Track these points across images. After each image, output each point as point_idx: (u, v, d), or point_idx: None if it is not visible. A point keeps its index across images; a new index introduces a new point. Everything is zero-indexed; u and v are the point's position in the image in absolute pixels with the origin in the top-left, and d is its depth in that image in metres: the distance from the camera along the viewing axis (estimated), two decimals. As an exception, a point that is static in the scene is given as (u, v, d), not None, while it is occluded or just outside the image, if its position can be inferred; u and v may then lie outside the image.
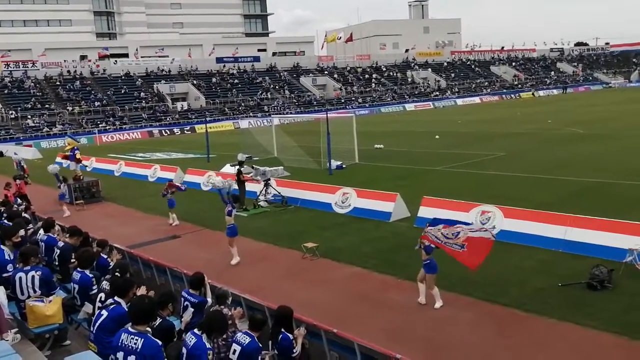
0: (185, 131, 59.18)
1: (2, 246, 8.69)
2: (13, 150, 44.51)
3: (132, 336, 5.35)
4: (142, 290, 6.89)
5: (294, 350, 6.33)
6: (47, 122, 56.49)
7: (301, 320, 7.35)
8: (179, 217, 17.19)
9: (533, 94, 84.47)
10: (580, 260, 11.12)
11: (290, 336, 6.38)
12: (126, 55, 75.32)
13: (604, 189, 17.70)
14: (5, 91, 60.72)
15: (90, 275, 8.03)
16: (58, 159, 28.82)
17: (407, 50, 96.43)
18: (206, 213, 18.05)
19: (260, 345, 6.14)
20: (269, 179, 19.01)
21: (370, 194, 16.84)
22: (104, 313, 6.39)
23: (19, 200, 16.38)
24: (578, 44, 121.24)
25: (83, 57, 70.88)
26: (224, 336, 6.35)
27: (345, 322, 8.47)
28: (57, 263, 9.60)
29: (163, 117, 62.48)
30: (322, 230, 15.18)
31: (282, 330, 6.42)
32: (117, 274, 7.72)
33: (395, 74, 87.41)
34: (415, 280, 9.96)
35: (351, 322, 8.83)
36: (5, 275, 8.15)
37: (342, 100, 74.81)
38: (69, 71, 66.66)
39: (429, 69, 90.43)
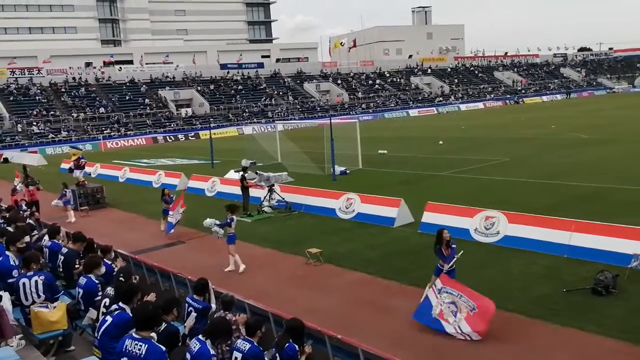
0: (190, 137, 59.41)
1: (7, 252, 8.73)
2: (19, 156, 44.79)
3: (136, 342, 5.37)
4: (151, 297, 6.90)
5: None
6: (52, 128, 56.79)
7: (305, 326, 7.33)
8: (182, 223, 17.10)
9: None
10: (585, 265, 11.09)
11: (297, 347, 6.36)
12: (131, 62, 75.75)
13: (609, 194, 17.62)
14: (11, 98, 61.05)
15: (96, 282, 8.03)
16: (64, 165, 29.01)
17: (410, 56, 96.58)
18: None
19: (261, 349, 6.13)
20: (273, 185, 19.04)
21: (374, 200, 16.83)
22: (109, 319, 6.39)
23: (24, 207, 16.42)
24: (581, 49, 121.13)
25: (88, 64, 71.33)
26: (229, 342, 6.35)
27: (349, 328, 8.46)
28: (61, 269, 9.63)
29: (167, 124, 62.70)
30: (325, 235, 15.17)
31: (290, 341, 6.40)
32: (121, 278, 7.75)
33: (398, 80, 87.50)
34: (419, 286, 9.92)
35: (355, 328, 8.81)
36: (10, 281, 8.18)
37: (346, 106, 74.91)
38: (74, 78, 67.02)
39: (433, 75, 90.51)
